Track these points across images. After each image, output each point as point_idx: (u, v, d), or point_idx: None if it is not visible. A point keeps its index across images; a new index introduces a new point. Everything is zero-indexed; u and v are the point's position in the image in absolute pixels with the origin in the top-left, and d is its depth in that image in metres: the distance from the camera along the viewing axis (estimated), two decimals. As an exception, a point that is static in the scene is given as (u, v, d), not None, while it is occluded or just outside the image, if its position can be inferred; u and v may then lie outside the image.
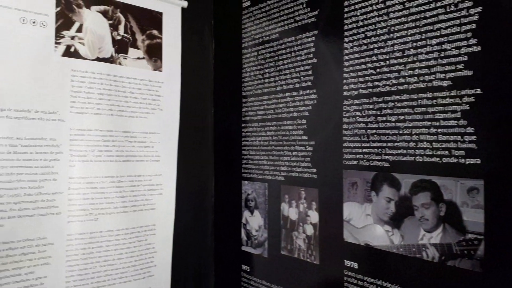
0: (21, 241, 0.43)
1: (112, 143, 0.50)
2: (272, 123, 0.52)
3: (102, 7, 0.49)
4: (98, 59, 0.49)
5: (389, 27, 0.40)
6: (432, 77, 0.37)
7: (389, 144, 0.40)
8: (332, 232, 0.45)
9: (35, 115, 0.44)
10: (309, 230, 0.47)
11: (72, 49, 0.47)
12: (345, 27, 0.43)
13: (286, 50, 0.50)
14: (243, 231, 0.56)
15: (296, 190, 0.49)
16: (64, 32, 0.47)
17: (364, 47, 0.42)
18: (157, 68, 0.55)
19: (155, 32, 0.55)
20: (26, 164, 0.44)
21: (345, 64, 0.43)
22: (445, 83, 0.36)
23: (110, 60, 0.50)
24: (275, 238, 0.51)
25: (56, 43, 0.46)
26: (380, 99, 0.40)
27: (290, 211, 0.49)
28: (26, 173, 0.44)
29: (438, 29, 0.36)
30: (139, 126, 0.53)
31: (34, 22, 0.44)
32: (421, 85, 0.37)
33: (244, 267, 0.56)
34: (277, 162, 0.51)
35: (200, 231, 0.59)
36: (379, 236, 0.40)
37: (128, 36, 0.52)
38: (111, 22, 0.50)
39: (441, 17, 0.36)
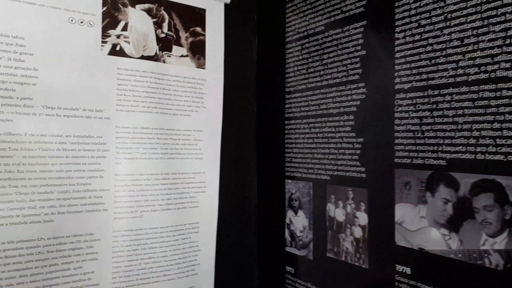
0: (70, 237, 0.44)
1: (157, 140, 0.50)
2: (317, 120, 0.50)
3: (146, 5, 0.50)
4: (142, 57, 0.50)
5: (445, 14, 0.36)
6: (495, 67, 0.33)
7: (446, 141, 0.36)
8: (382, 235, 0.42)
9: (83, 113, 0.45)
10: (357, 233, 0.44)
11: (117, 48, 0.48)
12: (396, 16, 0.41)
13: (332, 42, 0.48)
14: (287, 231, 0.55)
15: (343, 190, 0.46)
16: (110, 31, 0.47)
17: (417, 37, 0.39)
18: (201, 65, 0.55)
19: (198, 29, 0.54)
20: (75, 161, 0.45)
21: (397, 55, 0.41)
22: (510, 73, 0.32)
23: (154, 58, 0.51)
24: (321, 240, 0.49)
25: (103, 42, 0.47)
26: (436, 92, 0.37)
27: (337, 212, 0.47)
28: (75, 170, 0.45)
29: (503, 14, 0.33)
30: (183, 123, 0.53)
31: (82, 22, 0.45)
32: (483, 76, 0.34)
33: (288, 268, 0.54)
34: (322, 160, 0.49)
35: (243, 230, 0.58)
36: (435, 240, 0.37)
37: (172, 33, 0.52)
38: (155, 20, 0.51)
39: (506, 0, 0.32)
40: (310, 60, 0.51)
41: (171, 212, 0.51)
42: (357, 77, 0.45)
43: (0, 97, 0.41)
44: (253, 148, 0.59)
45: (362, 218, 0.44)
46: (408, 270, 0.40)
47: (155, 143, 0.50)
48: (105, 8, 0.47)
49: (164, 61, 0.51)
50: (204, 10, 0.55)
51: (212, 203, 0.55)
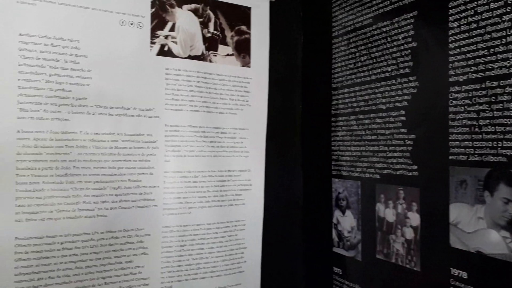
0: (122, 231, 0.46)
1: (204, 138, 0.51)
2: (365, 116, 0.48)
3: (193, 6, 0.51)
4: (190, 57, 0.51)
5: (506, -1, 0.34)
6: None
7: (507, 136, 0.34)
8: (436, 236, 0.40)
9: (133, 112, 0.47)
10: (409, 234, 0.42)
11: (165, 48, 0.49)
12: (450, 4, 0.38)
13: (381, 35, 0.46)
14: (334, 231, 0.53)
15: (393, 189, 0.44)
16: (159, 32, 0.49)
17: (474, 25, 0.36)
18: (246, 64, 0.55)
19: (243, 27, 0.55)
20: (126, 158, 0.47)
21: (451, 46, 0.38)
22: None
23: (201, 57, 0.51)
24: (370, 241, 0.48)
25: (151, 43, 0.48)
26: (495, 83, 0.35)
27: (387, 212, 0.45)
28: (126, 167, 0.47)
29: None
30: (228, 122, 0.53)
31: (132, 24, 0.47)
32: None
33: (336, 269, 0.53)
34: (371, 158, 0.47)
35: (289, 229, 0.57)
36: (495, 243, 0.35)
37: (218, 33, 0.53)
38: (201, 20, 0.51)
39: None
40: (357, 54, 0.49)
41: (217, 209, 0.52)
42: (408, 70, 0.43)
43: (58, 97, 0.43)
44: (298, 146, 0.58)
45: (414, 218, 0.42)
46: (464, 275, 0.37)
47: (202, 141, 0.51)
48: (153, 10, 0.48)
49: (210, 61, 0.52)
50: (249, 9, 0.55)
51: (258, 201, 0.55)
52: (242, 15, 0.54)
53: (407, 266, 0.43)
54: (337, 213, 0.53)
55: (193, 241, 0.50)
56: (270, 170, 0.56)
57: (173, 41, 0.50)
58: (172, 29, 0.50)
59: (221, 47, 0.53)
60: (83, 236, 0.44)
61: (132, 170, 0.47)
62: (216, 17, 0.53)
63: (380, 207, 0.46)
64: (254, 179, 0.55)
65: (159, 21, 0.49)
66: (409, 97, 0.43)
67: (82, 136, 0.44)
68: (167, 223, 0.49)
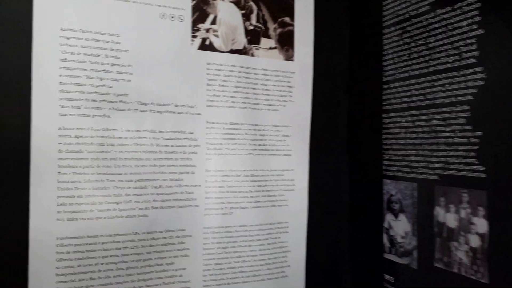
0: (163, 232, 0.45)
1: (245, 136, 0.49)
2: (422, 111, 0.44)
3: (235, -3, 0.49)
4: (231, 51, 0.48)
5: None
6: None
7: None
8: (507, 245, 0.35)
9: (174, 108, 0.45)
10: (475, 241, 0.38)
11: (207, 42, 0.47)
12: (527, -15, 0.34)
13: (440, 23, 0.42)
14: (385, 236, 0.50)
15: (455, 192, 0.40)
16: (200, 25, 0.47)
17: (556, 7, 0.32)
18: (289, 57, 0.52)
19: (287, 19, 0.52)
20: (167, 156, 0.45)
21: (528, 31, 0.34)
22: None
23: (243, 51, 0.49)
24: (427, 248, 0.44)
25: (193, 36, 0.46)
26: None
27: (448, 217, 0.41)
28: (167, 165, 0.45)
29: None
30: (271, 119, 0.51)
31: (172, 17, 0.45)
32: None
33: (387, 277, 0.49)
34: (429, 158, 0.43)
35: (334, 232, 0.54)
36: None
37: (260, 25, 0.50)
38: (243, 12, 0.49)
39: None
40: (412, 44, 0.45)
41: (260, 210, 0.49)
42: (473, 60, 0.39)
43: (99, 94, 0.42)
44: (344, 144, 0.55)
45: (481, 224, 0.38)
46: (544, 289, 0.33)
47: (244, 138, 0.49)
48: (194, 2, 0.46)
49: (252, 54, 0.50)
50: (293, -1, 0.52)
51: (301, 202, 0.52)
52: (285, 6, 0.52)
53: (473, 277, 0.39)
54: (389, 217, 0.49)
55: (235, 243, 0.48)
56: (315, 170, 0.53)
57: (214, 35, 0.47)
58: (213, 22, 0.47)
59: (263, 40, 0.50)
60: (124, 237, 0.43)
61: (174, 168, 0.45)
62: (259, 8, 0.50)
63: (439, 211, 0.42)
64: (298, 179, 0.52)
65: (200, 13, 0.47)
66: (475, 90, 0.38)
67: (123, 133, 0.43)
68: (209, 224, 0.47)
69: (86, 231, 0.41)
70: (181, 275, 0.45)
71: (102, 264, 0.42)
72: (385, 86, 0.50)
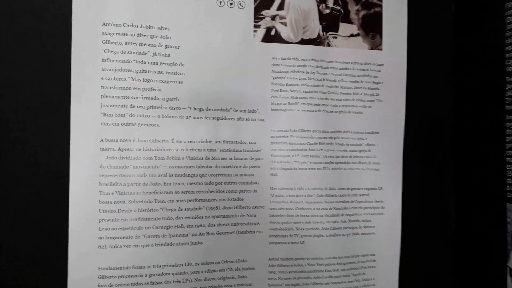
0: (220, 263, 0.37)
1: (319, 146, 0.39)
2: None
3: (307, -26, 0.39)
4: (302, 41, 0.39)
5: None
6: None
7: None
8: None
9: (233, 114, 0.38)
10: None
11: (272, 32, 0.39)
12: None
13: None
14: (510, 279, 0.37)
15: None
16: (264, 12, 0.38)
17: None
18: (376, 46, 0.41)
19: (372, -2, 0.41)
20: (225, 171, 0.37)
21: None
22: None
23: (317, 41, 0.40)
24: None
25: (255, 26, 0.38)
26: None
27: None
28: (225, 182, 0.37)
29: None
30: (352, 123, 0.41)
31: (231, 4, 0.38)
32: None
33: (514, 337, 0.37)
34: None
35: (435, 270, 0.42)
36: None
37: (339, 8, 0.40)
38: (317, -8, 0.40)
39: None
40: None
41: (338, 239, 0.40)
42: None
43: (146, 99, 0.36)
44: (449, 156, 0.43)
45: None
46: None
47: (317, 149, 0.39)
48: (257, -16, 0.38)
49: (328, 44, 0.40)
50: (380, -27, 0.41)
51: (393, 229, 0.41)
52: (370, -17, 0.41)
53: None
54: (516, 256, 0.36)
55: (307, 280, 0.39)
56: (410, 188, 0.41)
57: (281, 23, 0.39)
58: (280, 7, 0.39)
59: (343, 26, 0.41)
60: (174, 268, 0.36)
61: (233, 186, 0.38)
62: (337, -13, 0.40)
63: None
64: (388, 200, 0.41)
65: (264, -3, 0.38)
66: None
67: (174, 144, 0.36)
68: (275, 255, 0.38)
69: (131, 261, 0.35)
70: (241, 318, 0.37)
71: (150, 299, 0.35)
72: (509, 80, 0.37)
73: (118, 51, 0.35)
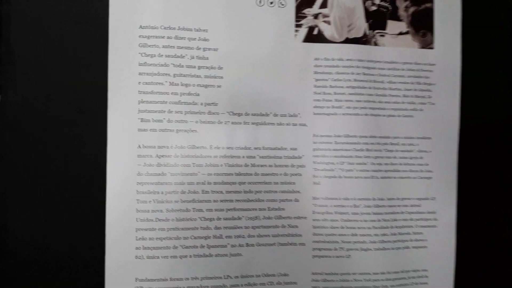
0: (260, 276, 0.35)
1: (366, 153, 0.37)
2: None
3: (352, -31, 0.37)
4: (347, 41, 0.37)
5: None
6: None
7: None
8: None
9: (273, 119, 0.36)
10: None
11: (315, 31, 0.36)
12: None
13: None
14: None
15: None
16: (306, 11, 0.36)
17: None
18: (427, 44, 0.38)
19: (423, -7, 0.38)
20: (265, 179, 0.35)
21: None
22: None
23: (362, 40, 0.37)
24: None
25: (297, 25, 0.36)
26: None
27: None
28: (265, 190, 0.35)
29: None
30: (401, 128, 0.38)
31: (271, 3, 0.36)
32: None
33: None
34: None
35: (495, 287, 0.39)
36: None
37: (387, 4, 0.38)
38: (363, -12, 0.37)
39: None
40: None
41: (387, 253, 0.37)
42: None
43: (183, 103, 0.34)
44: (508, 163, 0.39)
45: None
46: None
47: (364, 156, 0.37)
48: (299, -19, 0.36)
49: (375, 43, 0.37)
50: (431, -35, 0.38)
51: (446, 243, 0.38)
52: (421, -24, 0.38)
53: None
54: None
55: (354, 297, 0.36)
56: (465, 199, 0.38)
57: (325, 21, 0.37)
58: (323, 5, 0.37)
59: (390, 24, 0.38)
60: (213, 281, 0.34)
61: (273, 195, 0.36)
62: (384, -18, 0.38)
63: None
64: (442, 211, 0.38)
65: (306, -5, 0.36)
66: None
67: (213, 151, 0.35)
68: (318, 269, 0.36)
69: (168, 272, 0.34)
70: (283, 335, 0.35)
71: (188, 313, 0.34)
72: None
73: (155, 55, 0.34)
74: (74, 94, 0.33)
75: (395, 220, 0.37)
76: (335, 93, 0.37)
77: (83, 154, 0.33)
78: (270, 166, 0.36)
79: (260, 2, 0.35)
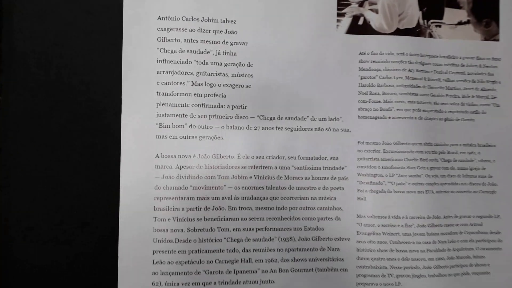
0: (296, 306, 0.30)
1: (419, 163, 0.31)
2: None
3: None
4: (397, 32, 0.32)
5: None
6: None
7: None
8: None
9: (311, 123, 0.31)
10: None
11: (360, 22, 0.31)
12: None
13: None
14: None
15: None
16: (350, -2, 0.31)
17: None
18: (491, 36, 0.33)
19: (486, -24, 0.33)
20: (300, 194, 0.31)
21: None
22: None
23: (416, 31, 0.32)
24: None
25: (339, 15, 0.31)
26: None
27: None
28: (300, 207, 0.31)
29: None
30: (461, 134, 0.32)
31: (310, -12, 0.31)
32: None
33: None
34: None
35: None
36: None
37: (444, -12, 0.32)
38: (417, -30, 0.32)
39: None
40: None
41: (444, 280, 0.31)
42: None
43: (208, 107, 0.30)
44: None
45: None
46: None
47: (417, 167, 0.31)
48: (343, -38, 0.31)
49: (430, 35, 0.32)
50: None
51: (514, 268, 0.32)
52: (485, -45, 0.33)
53: None
54: None
55: (405, 331, 0.31)
56: (536, 217, 0.33)
57: (372, 9, 0.31)
58: (370, -10, 0.31)
59: (448, 12, 0.32)
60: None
61: (310, 212, 0.31)
62: (441, -37, 0.32)
63: None
64: (507, 231, 0.32)
65: (351, -21, 0.31)
66: None
67: (241, 161, 0.30)
68: (364, 299, 0.31)
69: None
70: None
71: None
72: None
73: (176, 50, 0.29)
74: (84, 96, 0.29)
75: (453, 241, 0.32)
76: (383, 93, 0.31)
77: (94, 164, 0.29)
78: (307, 178, 0.31)
79: (297, -13, 0.30)
